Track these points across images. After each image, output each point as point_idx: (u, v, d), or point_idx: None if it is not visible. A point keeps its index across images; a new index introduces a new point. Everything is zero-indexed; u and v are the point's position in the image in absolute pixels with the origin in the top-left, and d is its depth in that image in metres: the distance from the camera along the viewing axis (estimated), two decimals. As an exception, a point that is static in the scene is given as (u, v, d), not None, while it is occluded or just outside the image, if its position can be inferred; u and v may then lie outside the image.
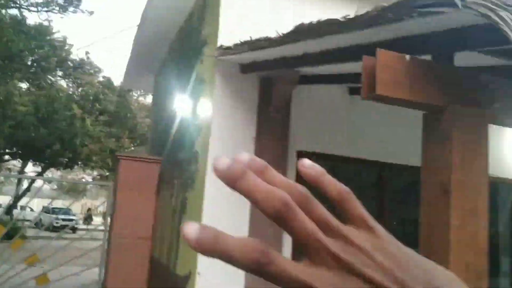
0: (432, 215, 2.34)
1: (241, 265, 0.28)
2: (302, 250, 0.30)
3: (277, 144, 4.21)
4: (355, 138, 4.68)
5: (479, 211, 2.28)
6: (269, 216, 0.29)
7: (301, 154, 4.57)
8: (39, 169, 24.73)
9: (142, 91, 21.19)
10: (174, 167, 5.39)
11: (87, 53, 24.58)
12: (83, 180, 27.51)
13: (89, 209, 34.54)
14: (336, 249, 0.30)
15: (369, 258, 0.29)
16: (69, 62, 21.86)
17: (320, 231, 0.30)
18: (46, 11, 18.10)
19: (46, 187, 27.76)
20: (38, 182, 20.47)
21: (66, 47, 21.23)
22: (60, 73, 21.94)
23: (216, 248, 0.27)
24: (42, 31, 17.85)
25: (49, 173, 27.29)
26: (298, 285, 0.28)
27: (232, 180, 0.29)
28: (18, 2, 16.89)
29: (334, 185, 0.33)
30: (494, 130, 2.68)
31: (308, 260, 0.30)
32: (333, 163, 4.78)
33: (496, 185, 4.96)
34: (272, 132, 4.18)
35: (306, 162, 0.34)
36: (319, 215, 0.31)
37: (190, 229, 0.28)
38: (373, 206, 4.70)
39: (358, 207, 0.33)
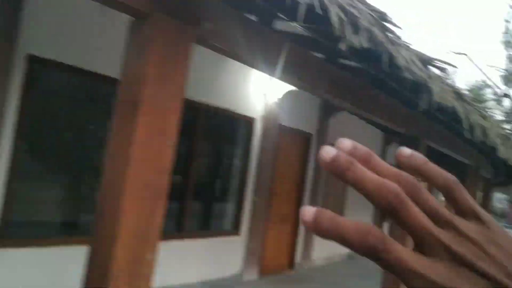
0: (121, 131, 2.16)
1: (357, 249, 0.28)
2: (414, 241, 0.29)
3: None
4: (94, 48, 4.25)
5: (167, 130, 2.20)
6: (381, 209, 0.28)
7: (33, 60, 3.91)
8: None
9: None
10: None
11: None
12: None
13: None
14: (448, 240, 0.29)
15: (482, 250, 0.28)
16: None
17: (431, 222, 0.29)
18: None
19: None
20: None
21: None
22: None
23: (333, 230, 0.28)
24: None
25: None
26: (412, 275, 0.27)
27: (339, 171, 0.28)
28: None
29: (440, 174, 0.32)
30: (200, 52, 2.62)
31: (421, 251, 0.29)
32: (67, 74, 4.28)
33: (194, 108, 5.22)
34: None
35: (406, 151, 0.32)
36: (429, 205, 0.29)
37: (307, 212, 0.28)
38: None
39: (468, 198, 0.31)
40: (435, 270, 0.28)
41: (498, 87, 22.73)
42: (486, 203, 9.36)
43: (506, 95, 21.62)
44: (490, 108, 15.19)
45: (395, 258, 0.27)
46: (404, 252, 0.28)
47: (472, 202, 0.31)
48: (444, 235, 0.29)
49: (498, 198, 32.08)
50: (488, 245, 0.29)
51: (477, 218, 0.31)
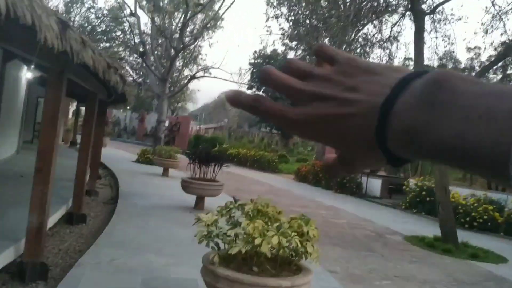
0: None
1: (246, 108, 0.43)
2: (292, 103, 0.42)
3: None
4: None
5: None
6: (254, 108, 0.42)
7: None
8: None
9: None
10: None
11: None
12: None
13: None
14: (307, 87, 0.41)
15: (331, 82, 0.40)
16: None
17: (298, 81, 0.41)
18: None
19: None
20: None
21: None
22: None
23: (234, 99, 0.43)
24: None
25: None
26: (286, 120, 0.41)
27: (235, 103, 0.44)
28: None
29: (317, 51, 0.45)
30: None
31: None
32: None
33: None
34: None
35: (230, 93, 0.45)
36: (303, 70, 0.43)
37: (229, 91, 0.44)
38: None
39: (329, 50, 0.44)
40: (304, 110, 0.40)
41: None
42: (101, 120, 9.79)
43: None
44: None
45: (266, 108, 0.41)
46: (274, 103, 0.41)
47: (331, 51, 0.43)
48: (305, 85, 0.41)
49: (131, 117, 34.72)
50: (337, 75, 0.40)
51: (335, 61, 0.42)
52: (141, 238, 6.45)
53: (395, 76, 0.38)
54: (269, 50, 43.31)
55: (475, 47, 26.96)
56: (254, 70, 45.95)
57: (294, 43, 28.39)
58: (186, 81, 22.57)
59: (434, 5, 10.75)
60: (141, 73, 30.16)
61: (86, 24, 44.34)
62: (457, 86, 0.34)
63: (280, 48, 32.12)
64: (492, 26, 13.58)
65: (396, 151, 0.37)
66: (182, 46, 17.81)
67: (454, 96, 0.33)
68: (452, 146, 0.32)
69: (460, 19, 18.36)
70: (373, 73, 0.39)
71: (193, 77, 19.05)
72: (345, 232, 9.35)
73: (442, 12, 17.53)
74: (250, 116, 51.37)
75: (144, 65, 18.67)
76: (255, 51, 46.39)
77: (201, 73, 20.56)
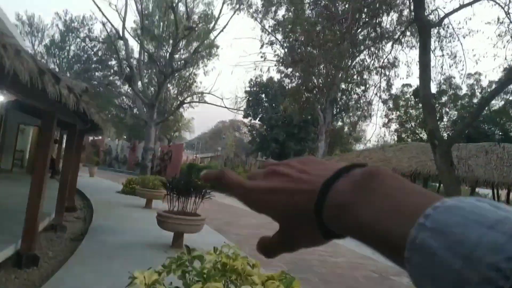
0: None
1: (213, 182, 0.51)
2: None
3: None
4: None
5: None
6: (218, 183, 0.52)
7: None
8: None
9: None
10: None
11: None
12: None
13: None
14: (249, 183, 0.50)
15: (287, 165, 0.49)
16: None
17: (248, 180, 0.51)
18: None
19: None
20: None
21: None
22: None
23: (205, 177, 0.53)
24: None
25: None
26: (236, 185, 0.49)
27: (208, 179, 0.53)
28: None
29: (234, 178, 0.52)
30: None
31: None
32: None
33: None
34: None
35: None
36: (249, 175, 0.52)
37: (203, 172, 0.53)
38: None
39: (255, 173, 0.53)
40: (258, 182, 0.48)
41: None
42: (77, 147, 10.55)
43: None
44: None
45: (228, 181, 0.49)
46: (236, 178, 0.49)
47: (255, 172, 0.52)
48: (248, 182, 0.50)
49: (123, 146, 35.56)
50: (294, 162, 0.49)
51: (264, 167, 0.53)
52: (99, 285, 5.34)
53: (341, 165, 0.46)
54: (265, 78, 42.98)
55: (475, 73, 26.34)
56: (250, 98, 45.45)
57: (290, 70, 27.77)
58: (176, 107, 21.67)
59: (440, 17, 9.93)
60: (129, 100, 29.41)
61: (82, 53, 44.18)
62: (386, 180, 0.40)
63: (276, 76, 31.60)
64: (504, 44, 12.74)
65: (329, 225, 0.42)
66: (171, 70, 17.00)
67: (381, 187, 0.40)
68: (367, 227, 0.39)
69: (468, 34, 17.58)
70: (324, 163, 0.48)
71: (182, 103, 18.16)
72: (345, 274, 8.21)
73: (448, 26, 16.75)
74: (247, 145, 50.71)
75: (131, 90, 17.82)
76: (251, 79, 46.04)
77: (190, 99, 19.71)
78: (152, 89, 19.36)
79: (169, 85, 41.19)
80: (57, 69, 46.57)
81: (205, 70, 39.88)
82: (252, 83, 45.82)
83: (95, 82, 43.80)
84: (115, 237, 8.16)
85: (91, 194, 15.29)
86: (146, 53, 17.57)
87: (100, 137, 40.09)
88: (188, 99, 19.43)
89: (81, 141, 11.56)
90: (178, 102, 22.18)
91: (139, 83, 17.89)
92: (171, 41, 17.48)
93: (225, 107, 15.30)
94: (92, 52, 42.87)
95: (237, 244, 3.62)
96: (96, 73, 47.21)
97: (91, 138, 41.10)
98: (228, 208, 16.84)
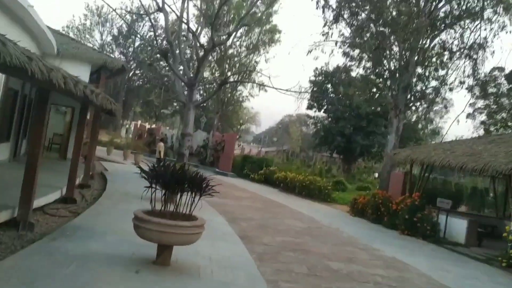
0: None
1: None
2: None
3: None
4: None
5: None
6: None
7: None
8: None
9: None
10: None
11: None
12: None
13: None
14: None
15: None
16: None
17: None
18: None
19: None
20: None
21: None
22: None
23: None
24: None
25: None
26: None
27: None
28: None
29: None
30: None
31: None
32: None
33: None
34: None
35: None
36: None
37: None
38: None
39: None
40: None
41: None
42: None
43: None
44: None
45: None
46: None
47: None
48: None
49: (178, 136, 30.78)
50: None
51: None
52: None
53: None
54: (331, 67, 39.72)
55: None
56: (314, 89, 42.34)
57: (357, 51, 24.47)
58: (217, 86, 19.40)
59: None
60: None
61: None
62: None
63: (341, 60, 28.41)
64: None
65: None
66: (212, 44, 14.77)
67: None
68: None
69: None
70: None
71: (224, 82, 15.81)
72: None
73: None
74: (313, 141, 47.66)
75: (168, 68, 15.81)
76: (316, 68, 42.85)
77: (234, 78, 17.26)
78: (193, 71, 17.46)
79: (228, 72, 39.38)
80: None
81: (266, 57, 37.46)
82: (318, 72, 42.66)
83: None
84: (85, 243, 5.93)
85: (115, 181, 13.50)
86: (186, 25, 15.43)
87: (156, 126, 39.29)
88: (232, 78, 17.28)
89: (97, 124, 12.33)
90: (219, 81, 19.86)
91: (179, 63, 15.84)
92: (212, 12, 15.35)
93: (277, 88, 12.74)
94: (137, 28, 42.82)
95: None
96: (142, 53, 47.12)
97: (148, 126, 40.45)
98: (272, 207, 14.28)
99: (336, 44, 23.43)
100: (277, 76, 36.17)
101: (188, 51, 20.45)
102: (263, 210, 13.01)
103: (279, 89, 13.71)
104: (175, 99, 18.10)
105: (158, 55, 26.24)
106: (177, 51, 15.27)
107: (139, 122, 51.72)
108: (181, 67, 15.92)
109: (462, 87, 22.00)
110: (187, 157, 15.35)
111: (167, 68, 27.97)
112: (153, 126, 40.78)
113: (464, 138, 16.94)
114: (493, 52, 21.97)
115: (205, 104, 46.91)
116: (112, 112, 10.92)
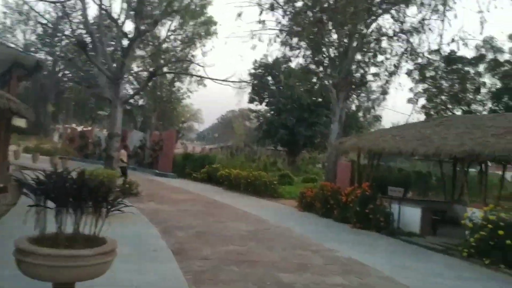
0: None
1: None
2: None
3: None
4: None
5: None
6: None
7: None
8: None
9: None
10: None
11: None
12: None
13: None
14: None
15: None
16: None
17: None
18: None
19: None
20: None
21: None
22: None
23: None
24: None
25: None
26: None
27: None
28: None
29: None
30: None
31: None
32: None
33: None
34: None
35: None
36: None
37: None
38: None
39: None
40: None
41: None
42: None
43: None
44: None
45: None
46: None
47: None
48: None
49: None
50: None
51: None
52: None
53: None
54: (270, 58, 38.91)
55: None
56: (254, 82, 41.39)
57: (295, 40, 23.68)
58: (146, 79, 17.85)
59: None
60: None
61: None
62: None
63: (280, 50, 27.57)
64: None
65: None
66: (137, 33, 13.27)
67: None
68: None
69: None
70: None
71: (153, 74, 14.33)
72: None
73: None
74: (256, 135, 46.83)
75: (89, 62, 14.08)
76: (256, 60, 41.93)
77: (167, 69, 15.84)
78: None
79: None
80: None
81: (203, 50, 36.03)
82: (257, 65, 41.75)
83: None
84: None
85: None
86: (105, 12, 13.72)
87: (89, 128, 36.68)
88: (165, 69, 15.95)
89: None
90: (148, 73, 18.29)
91: (102, 56, 14.13)
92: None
93: (212, 78, 11.51)
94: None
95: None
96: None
97: (79, 129, 37.71)
98: (215, 207, 13.05)
99: (274, 32, 22.47)
100: (212, 66, 34.87)
101: (113, 43, 18.67)
102: (205, 213, 11.75)
103: (216, 79, 12.48)
104: (99, 95, 16.30)
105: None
106: (100, 44, 13.59)
107: (73, 125, 48.50)
108: (105, 62, 14.26)
109: (400, 73, 21.83)
110: (116, 160, 13.71)
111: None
112: (85, 128, 38.05)
113: (411, 122, 16.58)
114: (427, 36, 21.98)
115: (142, 103, 44.59)
116: (21, 115, 9.23)
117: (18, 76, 16.48)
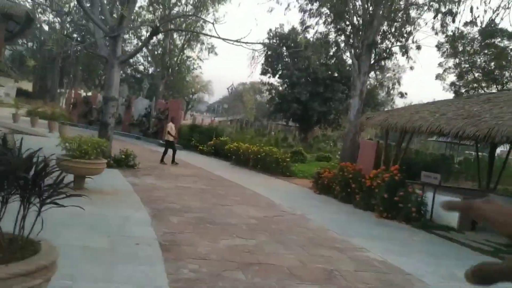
0: None
1: (462, 212, 0.67)
2: None
3: None
4: None
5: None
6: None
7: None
8: None
9: None
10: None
11: None
12: None
13: None
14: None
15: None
16: None
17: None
18: None
19: None
20: None
21: None
22: None
23: (449, 206, 0.68)
24: None
25: None
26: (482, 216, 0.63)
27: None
28: None
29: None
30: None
31: None
32: None
33: None
34: None
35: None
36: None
37: (443, 202, 0.68)
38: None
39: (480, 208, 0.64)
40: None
41: None
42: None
43: None
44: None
45: (475, 211, 0.64)
46: (483, 205, 0.64)
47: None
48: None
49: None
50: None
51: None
52: None
53: None
54: (286, 28, 36.77)
55: None
56: (268, 52, 39.36)
57: (316, 5, 21.67)
58: (147, 38, 16.14)
59: None
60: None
61: None
62: None
63: (298, 18, 25.31)
64: None
65: None
66: (138, -19, 11.60)
67: None
68: None
69: None
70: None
71: (155, 32, 12.65)
72: None
73: None
74: (267, 109, 45.06)
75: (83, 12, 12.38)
76: (270, 30, 39.74)
77: (173, 26, 14.05)
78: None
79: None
80: None
81: (216, 16, 33.98)
82: (272, 34, 39.60)
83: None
84: None
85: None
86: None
87: (92, 93, 35.15)
88: (171, 26, 14.26)
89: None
90: (150, 29, 16.54)
91: (100, 9, 12.40)
92: None
93: (224, 38, 9.92)
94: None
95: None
96: None
97: (83, 94, 36.19)
98: (219, 186, 11.49)
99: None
100: (223, 23, 32.83)
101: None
102: (207, 193, 10.22)
103: (228, 39, 10.72)
104: (95, 53, 14.71)
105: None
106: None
107: (81, 91, 47.07)
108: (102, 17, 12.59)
109: (429, 45, 19.87)
110: (112, 127, 12.16)
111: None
112: (89, 93, 36.53)
113: (450, 98, 14.73)
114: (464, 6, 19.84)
115: (149, 71, 42.76)
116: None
117: (14, 31, 14.94)
